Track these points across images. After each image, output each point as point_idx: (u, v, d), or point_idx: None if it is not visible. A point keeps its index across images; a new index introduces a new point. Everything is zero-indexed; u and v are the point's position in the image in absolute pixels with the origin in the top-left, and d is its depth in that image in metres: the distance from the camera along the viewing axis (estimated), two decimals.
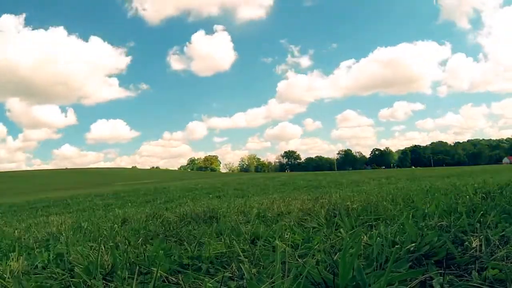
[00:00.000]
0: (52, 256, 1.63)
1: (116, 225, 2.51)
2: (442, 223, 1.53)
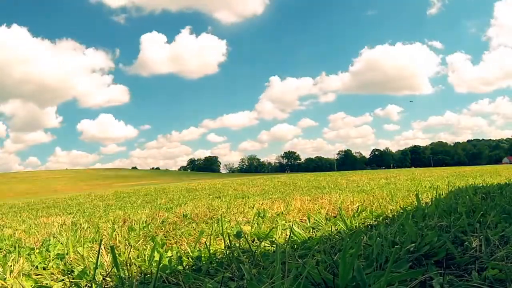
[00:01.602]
0: (52, 257, 1.63)
1: (116, 226, 2.51)
2: (442, 223, 1.53)
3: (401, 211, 2.03)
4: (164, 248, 1.67)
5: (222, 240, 1.55)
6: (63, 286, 1.17)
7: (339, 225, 1.80)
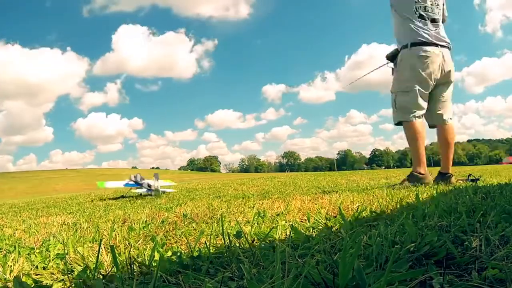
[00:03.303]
0: (52, 257, 1.62)
1: (116, 226, 2.51)
2: (442, 223, 1.53)
3: (401, 210, 2.03)
4: (164, 248, 1.67)
5: (222, 240, 1.54)
6: (63, 286, 1.17)
7: (339, 224, 1.80)
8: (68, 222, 3.28)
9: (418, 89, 4.64)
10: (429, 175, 4.68)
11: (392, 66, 5.01)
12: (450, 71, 4.80)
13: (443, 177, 4.78)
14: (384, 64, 5.18)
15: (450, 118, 4.91)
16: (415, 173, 4.63)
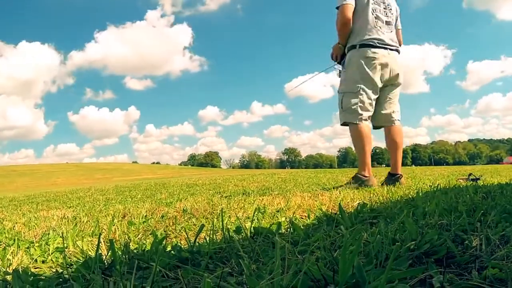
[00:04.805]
0: (52, 250, 1.63)
1: (116, 220, 2.51)
2: (442, 221, 1.52)
3: (402, 208, 2.02)
4: (164, 242, 1.67)
5: (222, 235, 1.54)
6: (62, 280, 1.17)
7: (339, 221, 1.80)
8: (68, 216, 3.28)
9: (366, 91, 4.57)
10: (373, 177, 4.68)
11: (339, 68, 4.93)
12: (398, 74, 4.71)
13: (393, 177, 4.81)
14: (332, 66, 5.03)
15: (398, 119, 4.85)
16: (359, 175, 4.59)
